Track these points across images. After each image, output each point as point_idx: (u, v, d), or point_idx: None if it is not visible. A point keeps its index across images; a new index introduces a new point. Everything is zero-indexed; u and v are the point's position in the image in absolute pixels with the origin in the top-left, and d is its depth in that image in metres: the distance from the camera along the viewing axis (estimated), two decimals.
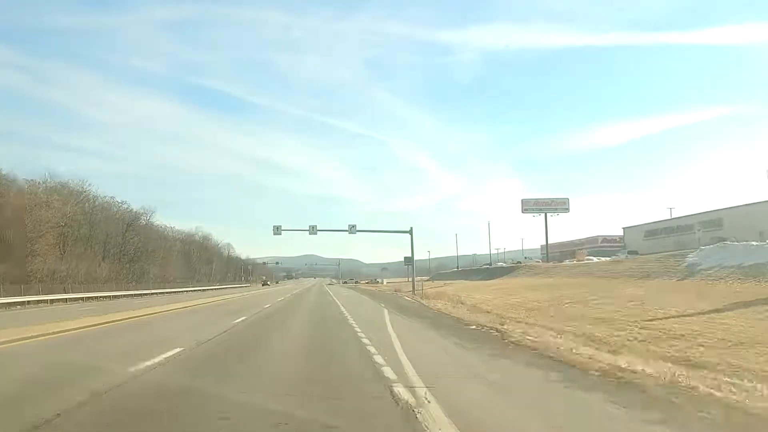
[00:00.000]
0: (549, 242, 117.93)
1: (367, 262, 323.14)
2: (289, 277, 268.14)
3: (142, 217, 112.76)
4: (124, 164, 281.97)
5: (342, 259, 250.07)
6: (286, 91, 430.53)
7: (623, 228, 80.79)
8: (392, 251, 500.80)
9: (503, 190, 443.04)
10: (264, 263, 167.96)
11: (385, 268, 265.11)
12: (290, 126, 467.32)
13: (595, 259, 73.09)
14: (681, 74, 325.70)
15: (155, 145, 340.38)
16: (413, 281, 49.65)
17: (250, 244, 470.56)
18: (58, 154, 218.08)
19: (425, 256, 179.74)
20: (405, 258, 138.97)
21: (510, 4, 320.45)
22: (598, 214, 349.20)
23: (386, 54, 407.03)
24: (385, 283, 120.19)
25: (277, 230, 48.89)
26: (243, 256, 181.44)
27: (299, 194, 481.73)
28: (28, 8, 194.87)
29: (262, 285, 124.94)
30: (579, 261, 72.91)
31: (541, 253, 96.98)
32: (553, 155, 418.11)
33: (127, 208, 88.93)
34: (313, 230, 48.85)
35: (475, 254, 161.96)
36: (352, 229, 48.98)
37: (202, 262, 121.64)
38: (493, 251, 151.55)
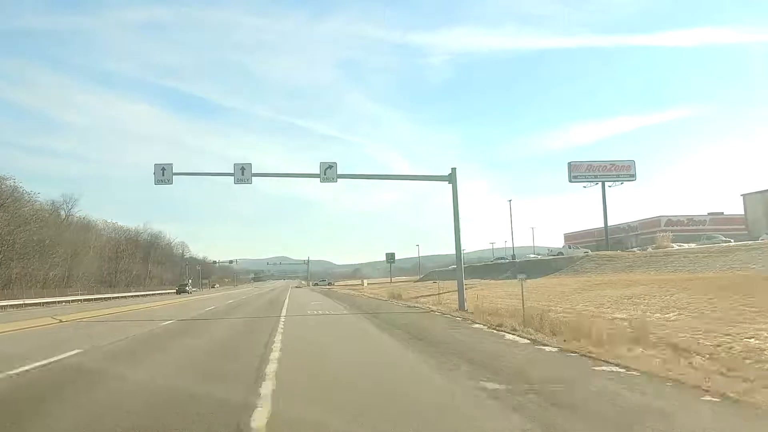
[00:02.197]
0: (571, 231, 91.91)
1: (338, 263, 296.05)
2: (257, 279, 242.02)
3: (62, 209, 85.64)
4: (97, 166, 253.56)
5: (312, 260, 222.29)
6: (260, 93, 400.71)
7: (743, 195, 54.94)
8: (364, 254, 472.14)
9: (477, 190, 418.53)
10: (214, 262, 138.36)
11: (358, 269, 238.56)
12: (263, 128, 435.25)
13: (685, 246, 47.37)
14: (650, 75, 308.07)
15: (129, 147, 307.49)
16: (461, 282, 22.21)
17: (222, 246, 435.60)
18: (29, 156, 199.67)
19: (411, 255, 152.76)
20: (387, 254, 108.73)
21: (482, 7, 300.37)
22: (580, 213, 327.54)
23: (360, 56, 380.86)
24: (366, 284, 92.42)
25: (163, 175, 21.15)
26: (200, 257, 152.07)
27: (273, 195, 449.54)
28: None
29: (177, 293, 76.57)
30: (663, 247, 47.03)
31: (568, 245, 70.70)
32: (526, 155, 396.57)
33: (12, 185, 60.05)
34: (242, 175, 21.20)
35: (464, 251, 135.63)
36: (328, 173, 21.43)
37: (136, 262, 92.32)
38: (483, 247, 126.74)
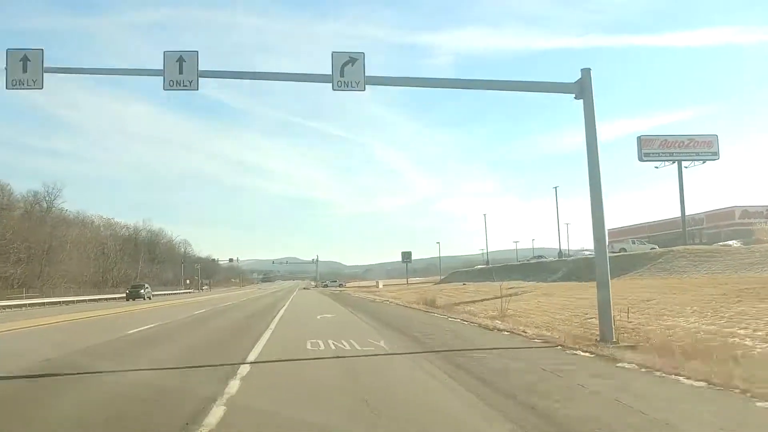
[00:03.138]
0: (615, 227, 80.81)
1: (348, 264, 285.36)
2: (266, 279, 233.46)
3: (44, 201, 75.81)
4: (99, 166, 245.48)
5: (321, 261, 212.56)
6: (263, 94, 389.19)
7: None
8: (374, 255, 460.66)
9: (484, 190, 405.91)
10: (213, 260, 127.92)
11: (368, 269, 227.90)
12: (267, 128, 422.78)
13: None
14: (655, 76, 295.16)
15: (130, 146, 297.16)
16: (606, 292, 10.92)
17: (228, 246, 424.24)
18: (32, 156, 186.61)
19: (421, 255, 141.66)
20: (403, 253, 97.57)
21: (484, 7, 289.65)
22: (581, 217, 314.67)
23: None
24: (381, 286, 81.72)
25: (24, 71, 10.50)
26: (204, 256, 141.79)
27: (276, 196, 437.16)
28: (2, 9, 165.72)
29: (128, 297, 52.86)
30: (763, 242, 36.17)
31: (631, 240, 59.34)
32: (531, 156, 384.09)
33: None
34: (180, 74, 10.55)
35: (482, 251, 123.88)
36: (348, 74, 10.71)
37: (126, 261, 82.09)
38: (499, 248, 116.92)
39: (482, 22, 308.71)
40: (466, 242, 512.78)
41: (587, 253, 50.58)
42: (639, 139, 42.84)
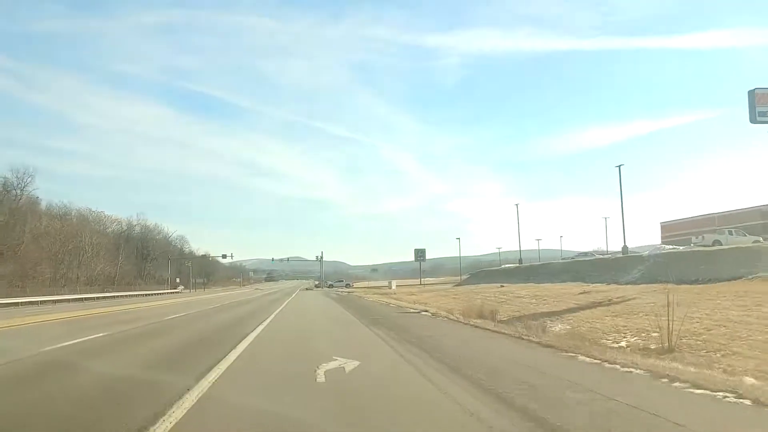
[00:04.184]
0: (670, 220, 70.06)
1: (353, 264, 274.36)
2: (270, 279, 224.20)
3: (14, 190, 65.10)
4: (110, 168, 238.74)
5: (326, 261, 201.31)
6: (272, 96, 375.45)
7: None
8: (380, 255, 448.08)
9: (488, 193, 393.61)
10: (203, 256, 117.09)
11: (374, 270, 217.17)
12: (276, 129, 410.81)
13: None
14: (666, 78, 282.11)
15: (141, 148, 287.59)
16: None
17: (232, 246, 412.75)
18: (44, 157, 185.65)
19: (429, 256, 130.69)
20: (416, 251, 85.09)
21: (495, 9, 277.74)
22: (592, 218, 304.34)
23: (371, 58, 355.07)
24: (394, 287, 70.58)
25: None
26: (207, 254, 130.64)
27: (284, 197, 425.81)
28: (14, 12, 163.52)
29: None
30: None
31: (728, 230, 48.12)
32: (538, 158, 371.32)
33: None
34: None
35: (500, 250, 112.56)
36: None
37: (106, 258, 71.06)
38: (492, 250, 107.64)
39: (493, 24, 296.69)
40: (470, 243, 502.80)
41: (669, 248, 39.31)
42: (752, 93, 31.47)
